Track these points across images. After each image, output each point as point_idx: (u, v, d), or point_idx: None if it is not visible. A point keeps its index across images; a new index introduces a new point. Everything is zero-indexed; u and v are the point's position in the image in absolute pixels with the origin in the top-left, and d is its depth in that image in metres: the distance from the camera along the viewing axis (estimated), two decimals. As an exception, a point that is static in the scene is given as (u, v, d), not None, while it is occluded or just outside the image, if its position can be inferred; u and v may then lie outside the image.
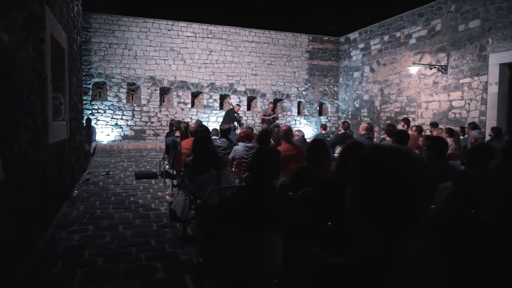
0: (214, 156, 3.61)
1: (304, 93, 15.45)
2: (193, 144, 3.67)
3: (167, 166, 7.10)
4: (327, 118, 16.00)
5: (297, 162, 4.77)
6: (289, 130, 4.87)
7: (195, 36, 13.65)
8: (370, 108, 14.09)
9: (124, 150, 11.43)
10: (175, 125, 6.84)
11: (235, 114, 12.28)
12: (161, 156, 8.04)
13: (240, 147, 5.42)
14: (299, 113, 15.61)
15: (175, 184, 6.87)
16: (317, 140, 3.03)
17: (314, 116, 15.73)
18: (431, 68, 10.61)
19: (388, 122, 13.06)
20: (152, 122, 13.24)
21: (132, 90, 13.22)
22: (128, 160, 10.07)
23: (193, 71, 13.68)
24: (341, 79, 15.93)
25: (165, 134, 12.71)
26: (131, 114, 12.96)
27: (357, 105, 14.89)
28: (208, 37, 13.81)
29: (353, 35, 15.09)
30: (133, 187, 6.72)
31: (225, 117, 12.52)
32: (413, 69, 10.72)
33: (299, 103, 15.58)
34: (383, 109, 13.39)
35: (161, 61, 13.25)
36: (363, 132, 8.31)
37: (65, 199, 5.43)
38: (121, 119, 12.85)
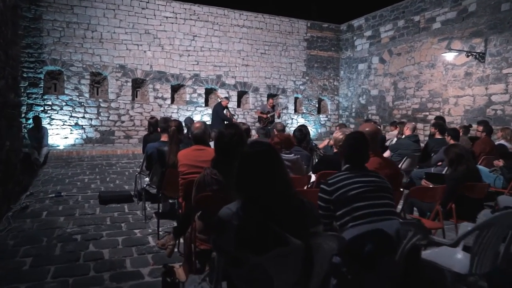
0: (296, 204, 1.41)
1: (301, 87, 13.41)
2: (239, 173, 1.43)
3: (147, 185, 4.82)
4: (326, 117, 14.05)
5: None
6: (377, 132, 2.73)
7: (176, 17, 11.27)
8: (380, 104, 12.24)
9: (86, 157, 8.92)
10: (160, 124, 4.51)
11: (225, 111, 9.98)
12: (138, 169, 5.71)
13: (276, 160, 3.23)
14: (295, 110, 13.55)
15: (161, 211, 4.60)
16: None
17: (313, 114, 13.74)
18: (468, 56, 8.81)
19: (404, 120, 11.23)
20: (123, 122, 10.73)
21: (97, 81, 10.66)
22: (91, 171, 7.61)
23: (173, 60, 11.29)
24: (342, 72, 14.02)
25: (140, 137, 10.29)
26: (95, 112, 10.40)
27: (363, 102, 13.01)
28: (191, 19, 11.47)
29: (357, 22, 13.19)
30: (95, 221, 4.35)
31: (213, 115, 10.21)
32: (449, 56, 8.90)
33: (296, 99, 13.53)
34: (397, 106, 11.56)
35: (133, 46, 10.77)
36: (408, 133, 6.32)
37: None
38: (83, 117, 10.26)
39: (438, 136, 6.30)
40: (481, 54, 8.82)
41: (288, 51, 13.05)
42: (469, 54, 8.77)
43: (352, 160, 2.13)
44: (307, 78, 13.47)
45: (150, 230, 4.10)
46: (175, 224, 4.34)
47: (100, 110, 10.45)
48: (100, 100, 10.50)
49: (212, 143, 3.71)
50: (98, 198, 5.26)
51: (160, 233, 3.96)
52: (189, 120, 7.19)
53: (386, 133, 9.16)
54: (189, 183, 2.93)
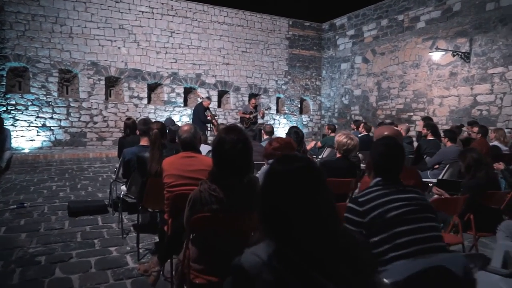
0: (348, 245, 1.01)
1: (283, 87, 13.07)
2: (268, 203, 0.97)
3: (123, 194, 4.27)
4: (309, 117, 13.78)
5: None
6: (400, 136, 2.36)
7: (152, 12, 10.65)
8: (364, 105, 12.07)
9: (55, 161, 8.19)
10: (140, 127, 3.98)
11: (207, 112, 9.47)
12: (113, 175, 5.13)
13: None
14: (277, 111, 13.20)
15: (140, 223, 4.07)
16: None
17: (295, 115, 13.43)
18: (453, 55, 8.71)
19: (388, 121, 11.10)
20: (95, 123, 10.01)
21: (67, 79, 9.90)
22: (60, 176, 6.93)
23: (149, 57, 10.67)
24: (324, 72, 13.79)
25: (114, 139, 9.62)
26: (65, 112, 9.64)
27: (346, 102, 12.82)
28: (168, 14, 10.88)
29: (339, 21, 12.99)
30: (63, 237, 3.79)
31: (193, 116, 9.67)
32: (435, 56, 8.77)
33: (278, 99, 13.17)
34: (381, 106, 11.42)
35: (106, 42, 10.07)
36: (403, 134, 6.04)
37: None
38: (51, 118, 9.48)
39: (430, 137, 6.07)
40: (466, 54, 8.76)
41: (270, 49, 12.69)
42: (455, 54, 8.67)
43: (385, 173, 1.74)
44: (289, 77, 13.15)
45: (128, 248, 3.57)
46: (156, 239, 3.85)
47: (70, 110, 9.70)
48: (70, 99, 9.74)
49: (202, 148, 3.25)
50: (67, 209, 4.66)
51: (140, 250, 3.45)
52: (170, 121, 6.65)
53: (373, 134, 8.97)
54: (177, 197, 2.47)
